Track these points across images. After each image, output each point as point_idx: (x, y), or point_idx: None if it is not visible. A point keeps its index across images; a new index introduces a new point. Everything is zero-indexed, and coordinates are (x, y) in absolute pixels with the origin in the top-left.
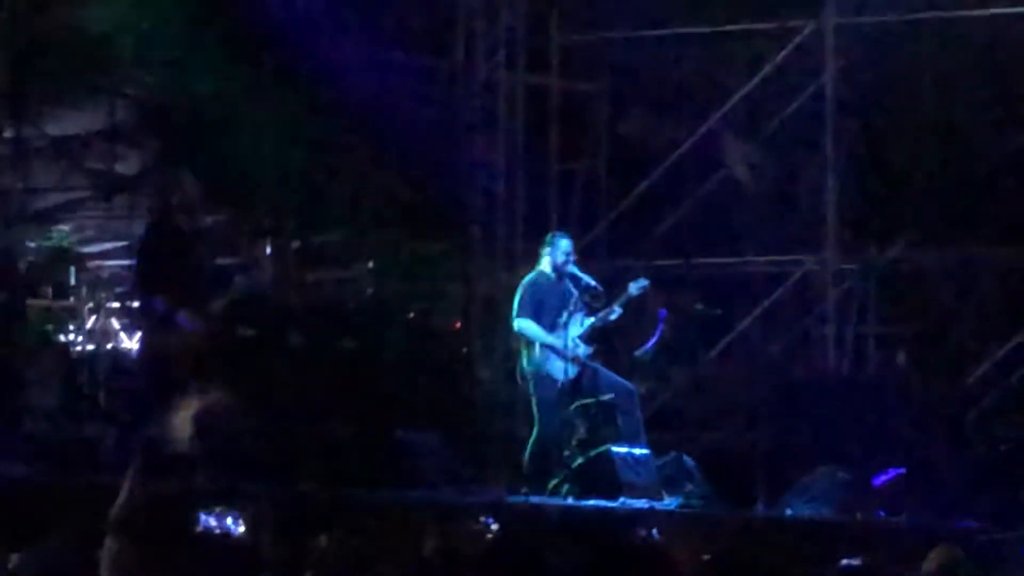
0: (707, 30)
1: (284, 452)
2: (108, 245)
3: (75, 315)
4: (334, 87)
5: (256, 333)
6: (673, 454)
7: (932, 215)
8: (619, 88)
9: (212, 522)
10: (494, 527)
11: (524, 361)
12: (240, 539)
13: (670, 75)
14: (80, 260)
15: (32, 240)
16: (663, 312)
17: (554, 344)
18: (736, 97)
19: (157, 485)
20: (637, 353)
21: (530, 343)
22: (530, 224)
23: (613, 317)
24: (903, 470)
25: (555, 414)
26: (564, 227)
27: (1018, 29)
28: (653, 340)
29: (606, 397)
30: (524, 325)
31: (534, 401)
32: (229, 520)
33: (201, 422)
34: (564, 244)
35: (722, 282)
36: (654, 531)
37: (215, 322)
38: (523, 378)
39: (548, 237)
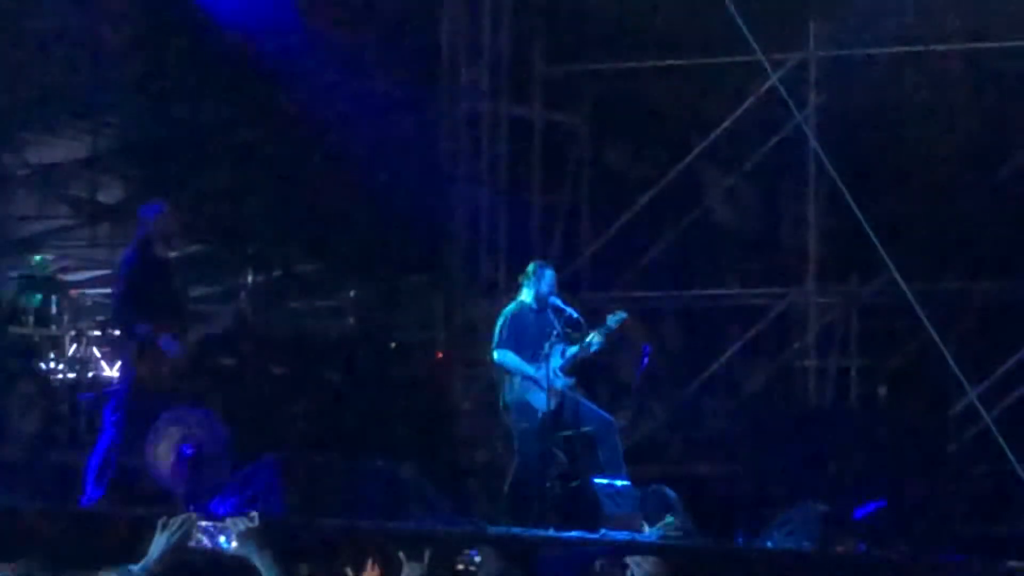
0: (690, 62)
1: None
2: (90, 273)
3: (57, 343)
4: (317, 118)
5: (238, 362)
6: (654, 486)
7: (914, 248)
8: (601, 120)
9: (204, 539)
10: (477, 559)
11: (505, 392)
12: (233, 556)
13: (652, 107)
14: (62, 288)
15: (14, 268)
16: (647, 347)
17: (534, 376)
18: (719, 130)
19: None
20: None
21: (511, 374)
22: (512, 255)
23: (593, 349)
24: (883, 503)
25: (536, 445)
26: (545, 258)
27: (1000, 64)
28: (638, 375)
29: (587, 428)
30: (504, 357)
31: (515, 432)
32: (222, 539)
33: (181, 450)
34: (549, 275)
35: (704, 314)
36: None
37: (195, 350)
38: (505, 409)
39: (532, 267)
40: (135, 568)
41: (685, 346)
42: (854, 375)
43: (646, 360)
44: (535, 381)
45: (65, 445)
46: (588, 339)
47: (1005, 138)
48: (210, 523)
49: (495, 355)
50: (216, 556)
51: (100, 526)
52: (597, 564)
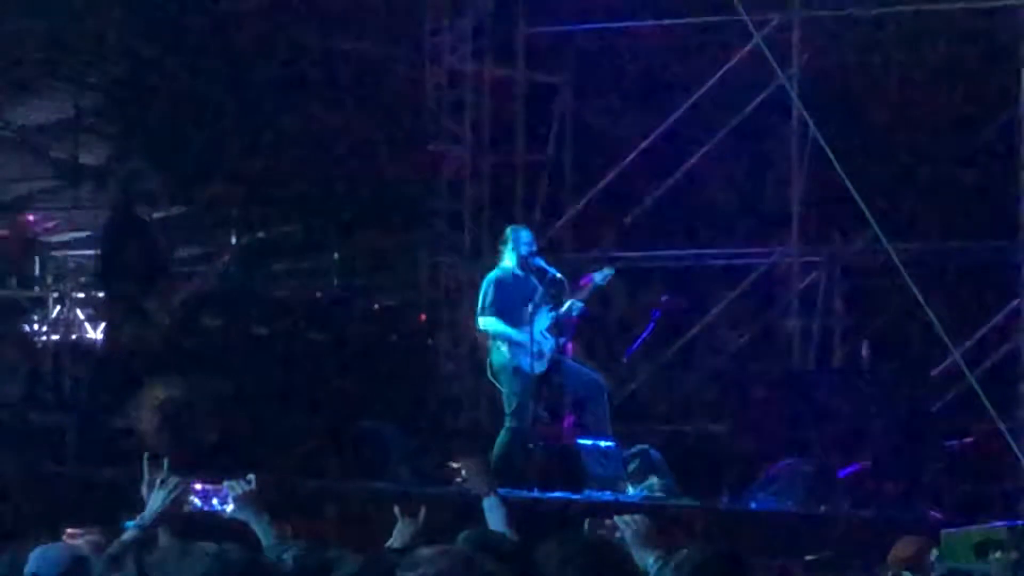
0: (673, 22)
1: (248, 443)
2: (73, 235)
3: (40, 305)
4: (300, 77)
5: (221, 324)
6: (639, 447)
7: (897, 208)
8: (585, 80)
9: (198, 502)
10: (464, 472)
11: (492, 356)
12: (231, 519)
13: (636, 67)
14: (45, 250)
15: None
16: (656, 313)
17: (519, 340)
18: (702, 90)
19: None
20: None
21: (497, 340)
22: (495, 216)
23: (576, 312)
24: (867, 462)
25: (525, 408)
26: (529, 219)
27: (983, 24)
28: (641, 338)
29: (575, 389)
30: (488, 323)
31: (504, 396)
32: (216, 501)
33: (166, 413)
34: (525, 235)
35: (687, 275)
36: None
37: (178, 312)
38: (494, 376)
39: (507, 232)
40: (130, 523)
41: (669, 306)
42: (837, 335)
43: (652, 325)
44: (520, 345)
45: (49, 407)
46: (569, 303)
47: (987, 98)
48: (205, 486)
49: (479, 322)
50: (214, 518)
51: (87, 487)
52: (586, 523)
